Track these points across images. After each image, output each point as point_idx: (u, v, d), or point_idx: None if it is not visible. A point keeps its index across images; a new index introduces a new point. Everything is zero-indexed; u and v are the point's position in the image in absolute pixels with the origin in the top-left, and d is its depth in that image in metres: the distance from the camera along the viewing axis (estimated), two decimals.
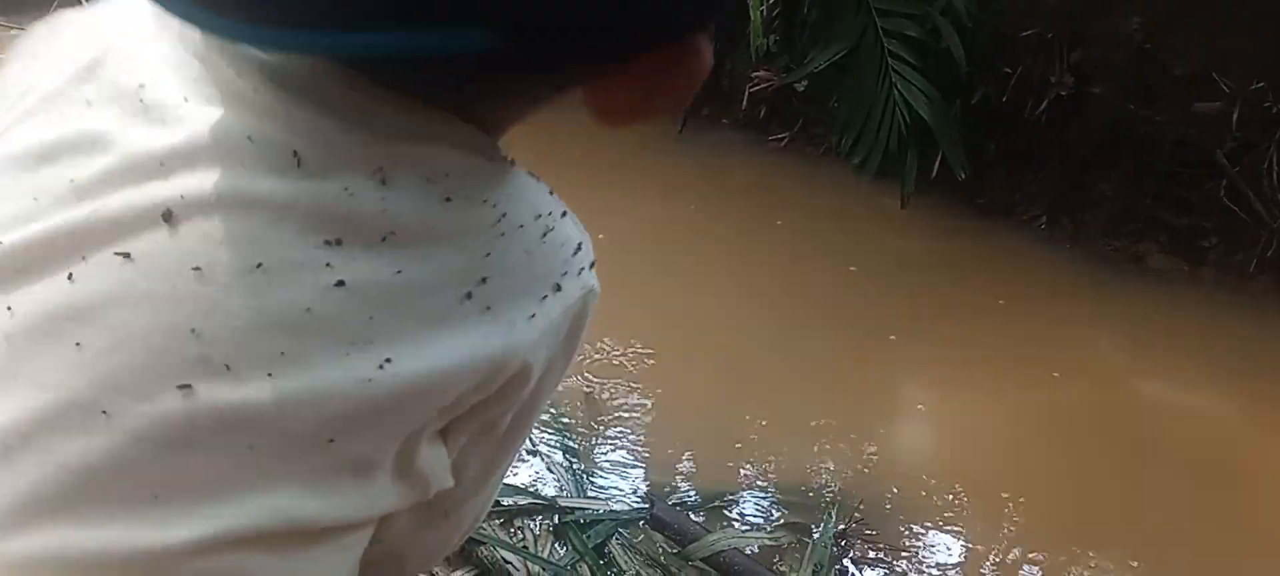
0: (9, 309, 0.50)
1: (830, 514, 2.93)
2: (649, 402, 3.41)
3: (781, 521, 2.96)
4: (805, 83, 5.19)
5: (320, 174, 0.51)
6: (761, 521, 2.98)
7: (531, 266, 0.58)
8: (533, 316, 0.57)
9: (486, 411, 0.59)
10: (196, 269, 0.48)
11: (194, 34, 0.53)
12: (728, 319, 3.95)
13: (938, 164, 4.68)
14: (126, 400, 0.48)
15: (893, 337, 3.96)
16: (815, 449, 3.27)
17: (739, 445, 3.24)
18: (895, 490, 3.14)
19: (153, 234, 0.49)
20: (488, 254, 0.56)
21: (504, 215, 0.58)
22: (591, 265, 0.63)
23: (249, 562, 0.50)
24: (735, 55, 5.41)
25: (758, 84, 5.35)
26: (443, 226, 0.55)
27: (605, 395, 3.37)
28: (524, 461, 3.00)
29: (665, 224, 4.63)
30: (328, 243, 0.51)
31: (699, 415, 3.36)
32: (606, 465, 3.12)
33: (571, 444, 3.12)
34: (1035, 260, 4.50)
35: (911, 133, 4.55)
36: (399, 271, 0.52)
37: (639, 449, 3.22)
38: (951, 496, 3.13)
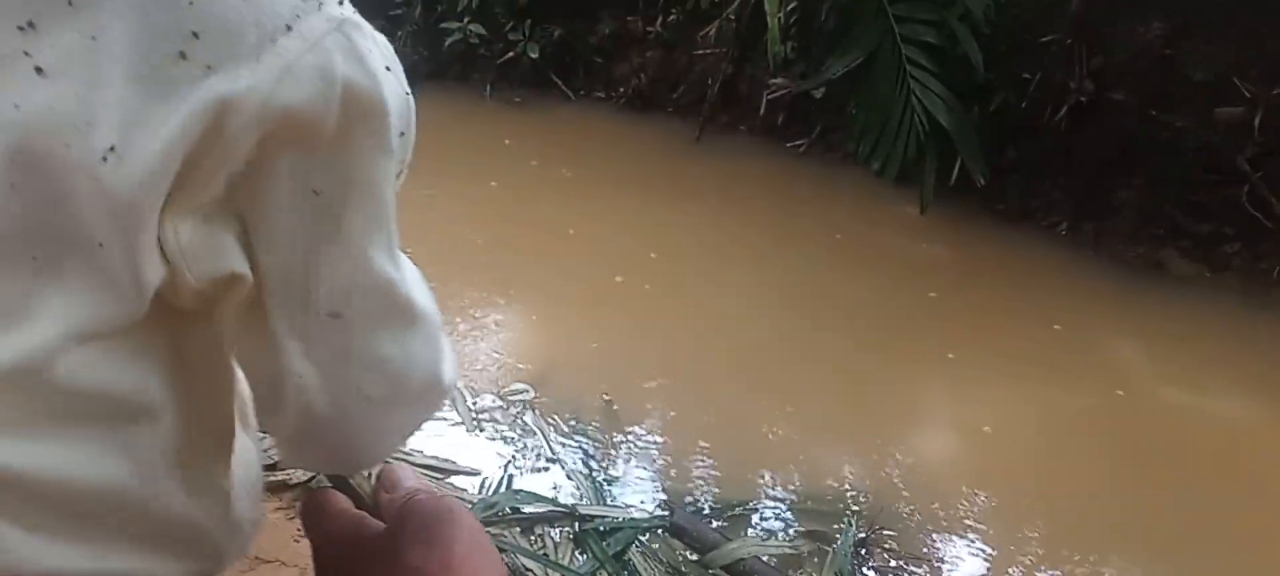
0: None
1: (850, 522, 2.93)
2: (668, 411, 3.41)
3: (802, 530, 2.97)
4: (823, 89, 5.19)
5: None
6: (781, 529, 2.98)
7: (254, 11, 0.51)
8: (259, 60, 0.50)
9: (273, 172, 0.53)
10: None
11: None
12: (746, 326, 3.95)
13: (957, 170, 4.68)
14: None
15: (912, 344, 3.96)
16: (835, 456, 3.27)
17: (759, 453, 3.23)
18: (915, 497, 3.13)
19: None
20: (191, 2, 0.50)
21: None
22: (339, 2, 0.55)
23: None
24: (753, 62, 5.43)
25: (775, 91, 5.36)
26: None
27: (624, 403, 3.37)
28: (544, 469, 3.00)
29: (683, 231, 4.63)
30: (20, 27, 0.49)
31: (718, 423, 3.35)
32: (626, 473, 3.12)
33: (591, 452, 3.13)
34: (1056, 266, 4.48)
35: (930, 139, 4.55)
36: (93, 38, 0.49)
37: (658, 457, 3.22)
38: (972, 503, 3.12)
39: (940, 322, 4.11)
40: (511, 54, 5.70)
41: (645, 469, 3.15)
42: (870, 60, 4.76)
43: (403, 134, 0.58)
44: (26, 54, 0.49)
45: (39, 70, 0.48)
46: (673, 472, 3.14)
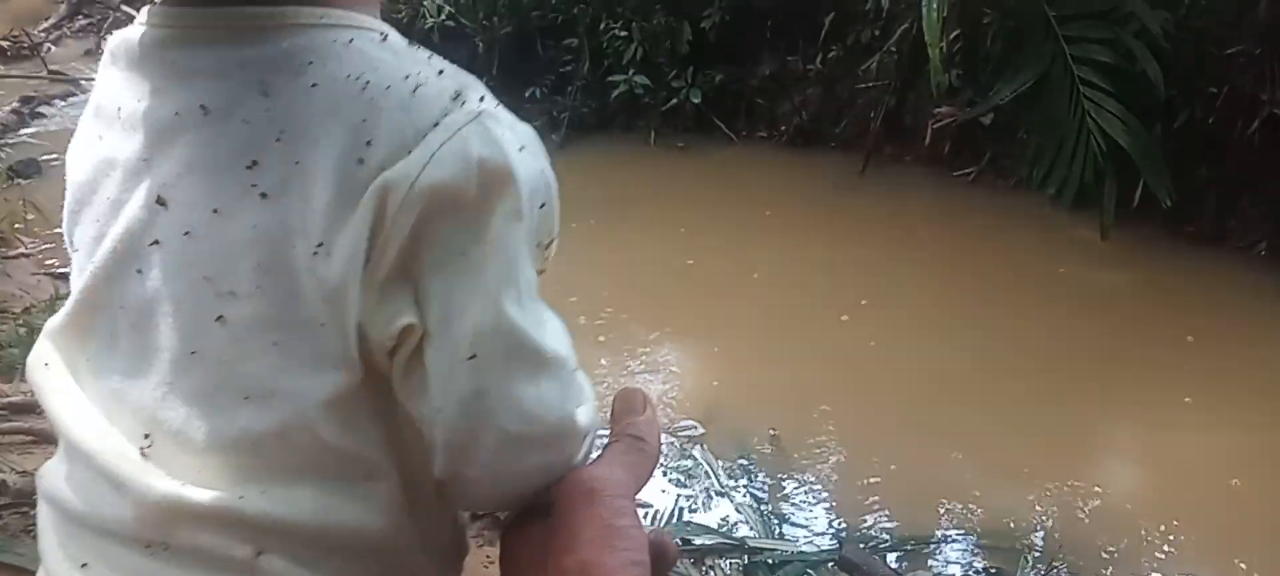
0: (123, 308, 0.68)
1: (1026, 559, 2.85)
2: (838, 444, 3.40)
3: (980, 567, 2.91)
4: (991, 116, 5.08)
5: (223, 115, 0.65)
6: (958, 566, 2.93)
7: (409, 117, 0.63)
8: (411, 152, 0.62)
9: (431, 240, 0.62)
10: (187, 233, 0.65)
11: (132, 53, 0.70)
12: (919, 359, 3.89)
13: (1139, 192, 4.46)
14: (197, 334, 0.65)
15: (1096, 377, 3.79)
16: (1016, 492, 3.17)
17: (933, 487, 3.18)
18: (1102, 535, 3.00)
19: (159, 219, 0.66)
20: (364, 119, 0.63)
21: (368, 82, 0.64)
22: (480, 99, 0.65)
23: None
24: (916, 92, 5.38)
25: (941, 120, 5.28)
26: (319, 109, 0.63)
27: (794, 435, 3.39)
28: (714, 503, 3.08)
29: (850, 265, 4.62)
30: (247, 167, 0.64)
31: (892, 456, 3.32)
32: (796, 506, 3.14)
33: (760, 485, 3.18)
34: (1254, 290, 4.18)
35: (1109, 160, 4.37)
36: (297, 162, 0.63)
37: (830, 490, 3.23)
38: (1161, 541, 2.97)
39: (1125, 352, 3.92)
40: (675, 101, 5.88)
41: (815, 502, 3.17)
42: (1041, 83, 4.63)
43: (544, 205, 0.66)
44: (253, 185, 0.63)
45: (264, 196, 0.63)
46: (844, 506, 3.15)
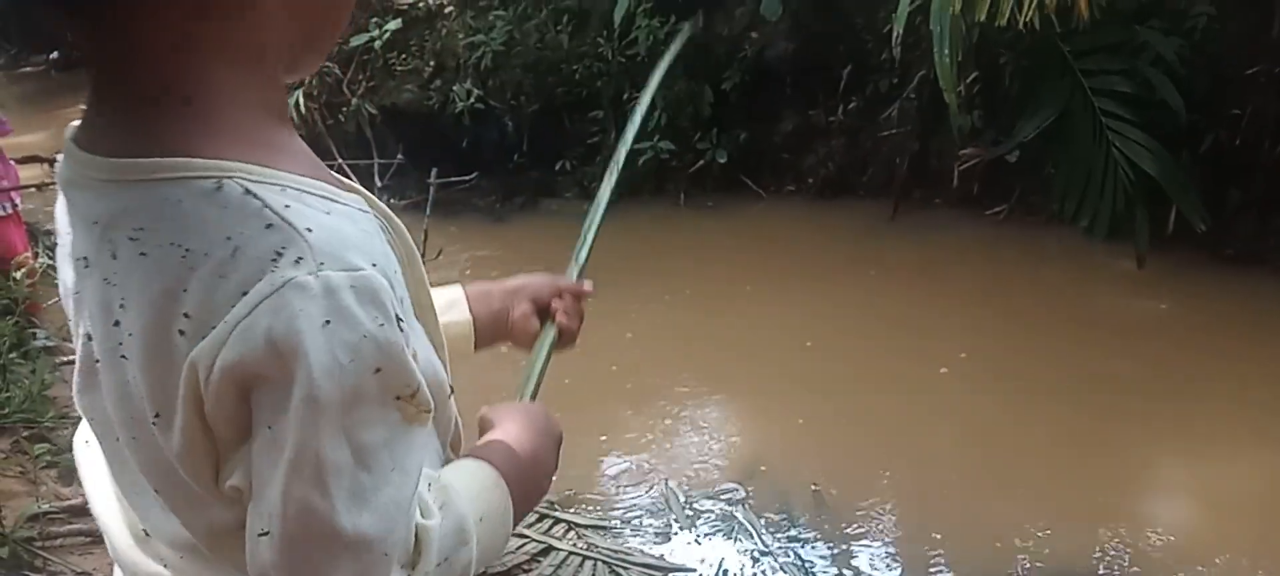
0: (92, 418, 0.75)
1: None
2: (885, 498, 3.35)
3: None
4: (1017, 153, 5.09)
5: (93, 269, 0.68)
6: None
7: (219, 288, 0.61)
8: (214, 329, 0.61)
9: (255, 405, 0.64)
10: (107, 369, 0.70)
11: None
12: (963, 405, 3.85)
13: (1173, 218, 4.43)
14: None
15: (1144, 407, 3.71)
16: (1074, 534, 3.09)
17: (991, 536, 3.10)
18: (1166, 572, 2.94)
19: (92, 349, 0.71)
20: (184, 289, 0.62)
21: (187, 250, 0.62)
22: (297, 260, 0.61)
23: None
24: (940, 135, 5.41)
25: (966, 161, 5.30)
26: (148, 279, 0.63)
27: (838, 492, 3.35)
28: (757, 565, 3.07)
29: (888, 312, 4.60)
30: (113, 325, 0.66)
31: (943, 507, 3.27)
32: (840, 564, 3.09)
33: (802, 544, 3.15)
34: None
35: (1139, 189, 4.35)
36: (131, 333, 0.65)
37: (879, 546, 3.16)
38: None
39: (1173, 382, 3.85)
40: (701, 162, 5.97)
41: (862, 557, 3.14)
42: (1063, 117, 4.64)
43: (378, 370, 0.64)
44: (119, 344, 0.66)
45: (123, 357, 0.67)
46: (895, 562, 3.11)
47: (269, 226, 0.62)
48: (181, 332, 0.63)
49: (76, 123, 0.71)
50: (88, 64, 0.68)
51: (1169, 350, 4.05)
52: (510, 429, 0.90)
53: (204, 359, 0.63)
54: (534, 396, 1.02)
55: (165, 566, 0.77)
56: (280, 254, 0.61)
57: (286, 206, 0.63)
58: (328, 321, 0.62)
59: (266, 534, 0.65)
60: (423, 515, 0.72)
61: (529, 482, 0.88)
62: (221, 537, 0.72)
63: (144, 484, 0.74)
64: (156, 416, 0.67)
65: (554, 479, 0.95)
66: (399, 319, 0.65)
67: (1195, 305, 4.31)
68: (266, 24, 0.68)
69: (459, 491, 0.78)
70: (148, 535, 0.77)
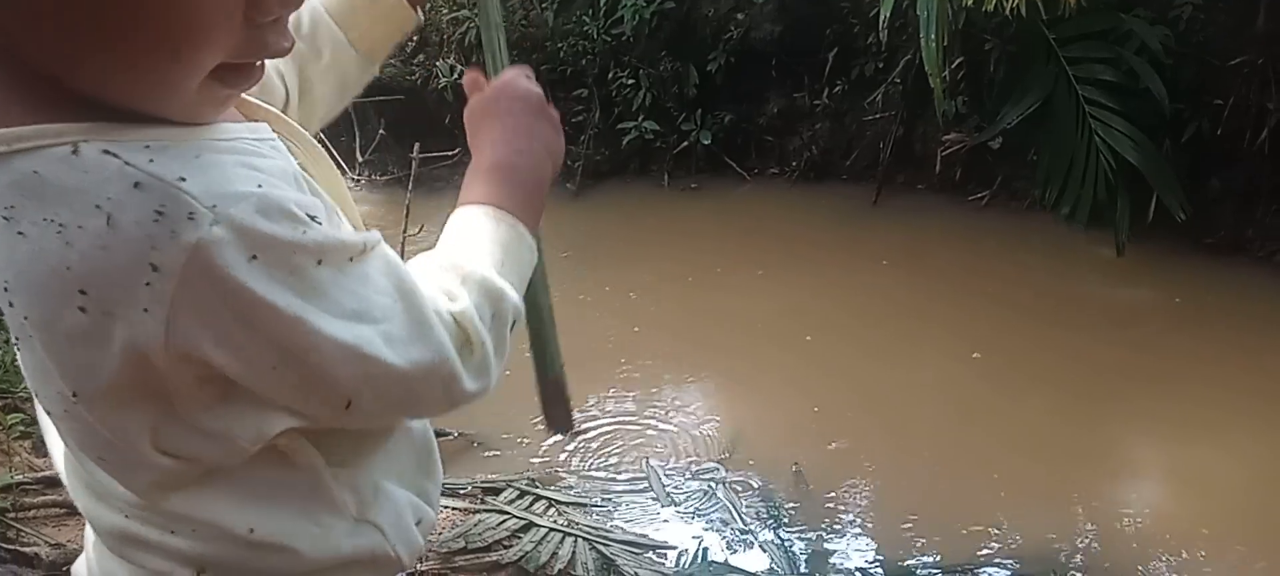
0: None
1: None
2: (865, 477, 3.38)
3: None
4: (1000, 140, 5.10)
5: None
6: None
7: (116, 261, 0.60)
8: (145, 308, 0.61)
9: (217, 384, 0.68)
10: (19, 342, 0.71)
11: None
12: (943, 388, 3.88)
13: (1153, 207, 4.46)
14: None
15: (1122, 392, 3.76)
16: (1050, 515, 3.13)
17: (967, 515, 3.14)
18: (1139, 554, 2.97)
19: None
20: (68, 267, 0.60)
21: (62, 226, 0.60)
22: (189, 217, 0.60)
23: None
24: (924, 121, 5.41)
25: (950, 147, 5.30)
26: (29, 260, 0.61)
27: (818, 471, 3.37)
28: (739, 542, 3.08)
29: (867, 295, 4.62)
30: (9, 306, 0.65)
31: (920, 486, 3.30)
32: (821, 542, 3.12)
33: (785, 522, 3.17)
34: (1276, 299, 4.14)
35: (1120, 177, 4.37)
36: (26, 317, 0.64)
37: (859, 525, 3.19)
38: (1198, 559, 2.93)
39: (1150, 369, 3.89)
40: (686, 143, 5.95)
41: (844, 538, 3.16)
42: (1046, 105, 4.65)
43: (320, 262, 0.66)
44: (23, 321, 0.65)
45: (27, 337, 0.66)
46: (874, 541, 3.13)
47: (137, 185, 0.60)
48: (82, 310, 0.61)
49: None
50: None
51: (1148, 337, 4.09)
52: (481, 148, 0.89)
53: (148, 344, 0.61)
54: (498, 69, 0.96)
55: (127, 517, 0.76)
56: (161, 213, 0.59)
57: (150, 161, 0.61)
58: (253, 256, 0.62)
59: (351, 405, 0.69)
60: (450, 303, 0.75)
61: (527, 185, 0.88)
62: (164, 490, 0.73)
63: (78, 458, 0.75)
64: (74, 395, 0.65)
65: (558, 150, 0.92)
66: (311, 216, 0.65)
67: (1175, 293, 4.35)
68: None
69: (467, 257, 0.80)
70: (102, 493, 0.78)
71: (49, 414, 0.72)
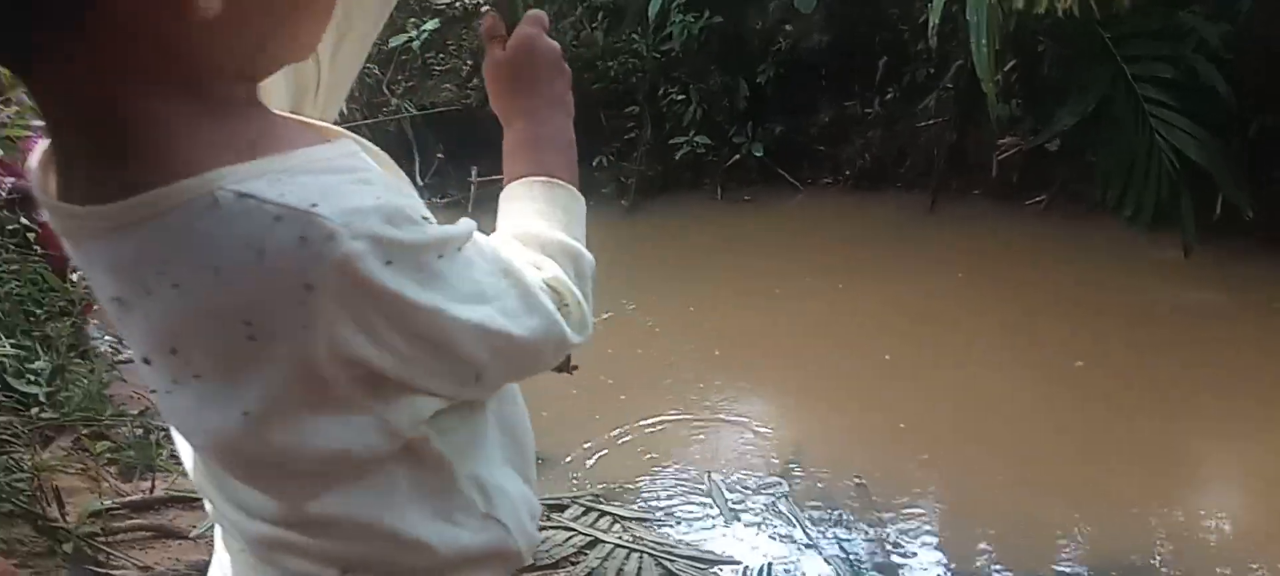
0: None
1: None
2: (931, 488, 3.35)
3: None
4: (1057, 142, 5.04)
5: (132, 308, 0.71)
6: None
7: (273, 287, 0.66)
8: (305, 328, 0.69)
9: (369, 383, 0.75)
10: (168, 393, 0.75)
11: None
12: (1007, 397, 3.82)
13: (1219, 206, 4.36)
14: None
15: (1193, 397, 3.67)
16: (1124, 523, 3.07)
17: (1040, 525, 3.08)
18: (1217, 561, 2.90)
19: (147, 372, 0.76)
20: (232, 304, 0.68)
21: (218, 269, 0.67)
22: (328, 238, 0.66)
23: None
24: (978, 125, 5.37)
25: (1005, 150, 5.26)
26: (191, 307, 0.69)
27: (883, 483, 3.34)
28: (800, 559, 3.08)
29: (928, 302, 4.58)
30: (171, 353, 0.71)
31: (991, 496, 3.25)
32: (893, 556, 3.09)
33: (848, 535, 3.16)
34: None
35: (1183, 177, 4.29)
36: (196, 352, 0.71)
37: (928, 537, 3.16)
38: (1274, 571, 2.87)
39: (1221, 371, 3.80)
40: (737, 156, 5.98)
41: (908, 549, 3.13)
42: (1104, 105, 4.59)
43: (441, 256, 0.73)
44: (186, 366, 0.72)
45: (196, 376, 0.72)
46: (946, 553, 3.10)
47: (278, 219, 0.66)
48: (251, 338, 0.68)
49: (39, 169, 0.74)
50: (44, 118, 0.70)
51: (1218, 339, 4.00)
52: (515, 117, 0.98)
53: (312, 356, 0.69)
54: (517, 13, 1.00)
55: (275, 525, 0.82)
56: (304, 238, 0.65)
57: (281, 195, 0.67)
58: (389, 261, 0.69)
59: (479, 377, 0.79)
60: (541, 272, 0.84)
61: (564, 148, 0.97)
62: (316, 495, 0.79)
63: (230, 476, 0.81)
64: (245, 414, 0.72)
65: (572, 104, 0.99)
66: (424, 217, 0.72)
67: (1244, 293, 4.25)
68: (203, 43, 0.69)
69: (540, 227, 0.89)
70: (251, 507, 0.84)
71: (200, 449, 0.80)
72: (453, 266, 0.74)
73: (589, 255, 0.90)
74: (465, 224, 0.77)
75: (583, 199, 0.94)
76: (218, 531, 0.93)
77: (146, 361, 0.74)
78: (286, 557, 0.83)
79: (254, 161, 0.69)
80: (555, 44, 0.98)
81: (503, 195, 0.94)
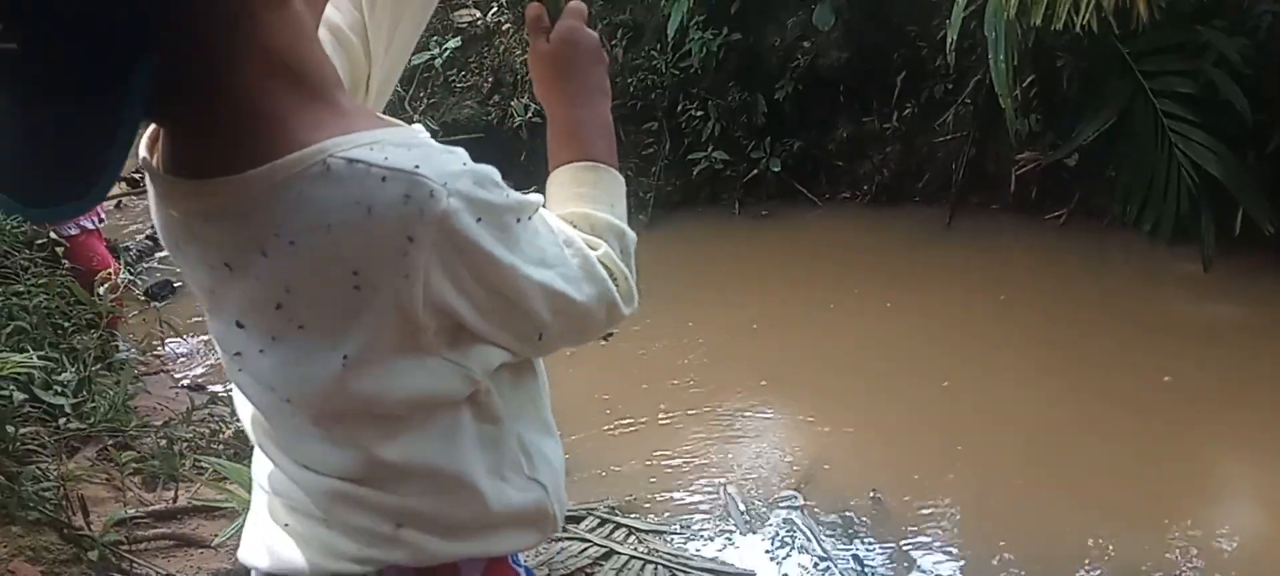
0: (241, 388, 0.92)
1: None
2: (948, 504, 3.33)
3: None
4: (1076, 157, 5.03)
5: (242, 273, 0.80)
6: None
7: (378, 239, 0.77)
8: (405, 276, 0.78)
9: (452, 328, 0.84)
10: (261, 351, 0.86)
11: None
12: (1027, 413, 3.81)
13: (1239, 221, 4.34)
14: None
15: (1212, 413, 3.65)
16: (1142, 540, 3.06)
17: (1058, 544, 3.06)
18: None
19: (239, 336, 0.87)
20: (341, 256, 0.77)
21: (330, 226, 0.76)
22: (430, 195, 0.76)
23: None
24: (996, 140, 5.37)
25: (1024, 166, 5.25)
26: (307, 263, 0.77)
27: (899, 498, 3.34)
28: (817, 569, 3.08)
29: (947, 318, 4.58)
30: (276, 308, 0.79)
31: (1008, 513, 3.24)
32: (901, 569, 3.09)
33: (865, 550, 3.15)
34: None
35: (1203, 192, 4.28)
36: (308, 305, 0.80)
37: (945, 553, 3.15)
38: None
39: (1240, 388, 3.77)
40: (755, 172, 6.00)
41: (922, 565, 3.13)
42: (1123, 119, 4.58)
43: (519, 220, 0.83)
44: (291, 320, 0.81)
45: (301, 327, 0.82)
46: (955, 568, 3.10)
47: (384, 179, 0.75)
48: (357, 288, 0.77)
49: (146, 150, 0.84)
50: (153, 105, 0.75)
51: (1238, 355, 3.97)
52: (558, 104, 1.04)
53: (411, 303, 0.78)
54: (560, 4, 1.07)
55: (341, 480, 0.89)
56: (409, 197, 0.74)
57: (386, 159, 0.75)
58: (479, 218, 0.78)
59: (542, 336, 0.88)
60: (593, 249, 0.91)
61: (605, 133, 1.04)
62: (392, 439, 0.87)
63: (310, 429, 0.88)
64: (345, 358, 0.80)
65: (609, 90, 1.06)
66: (504, 182, 0.82)
67: (1264, 309, 4.21)
68: (292, 34, 0.79)
69: (589, 207, 0.97)
70: (317, 462, 0.90)
71: (292, 399, 0.86)
72: (526, 231, 0.83)
73: (632, 232, 0.98)
74: (536, 196, 0.87)
75: (623, 179, 1.02)
76: (261, 509, 0.98)
77: (239, 325, 0.84)
78: (349, 512, 0.90)
79: (354, 134, 0.78)
80: (594, 34, 1.06)
81: (550, 180, 1.01)
